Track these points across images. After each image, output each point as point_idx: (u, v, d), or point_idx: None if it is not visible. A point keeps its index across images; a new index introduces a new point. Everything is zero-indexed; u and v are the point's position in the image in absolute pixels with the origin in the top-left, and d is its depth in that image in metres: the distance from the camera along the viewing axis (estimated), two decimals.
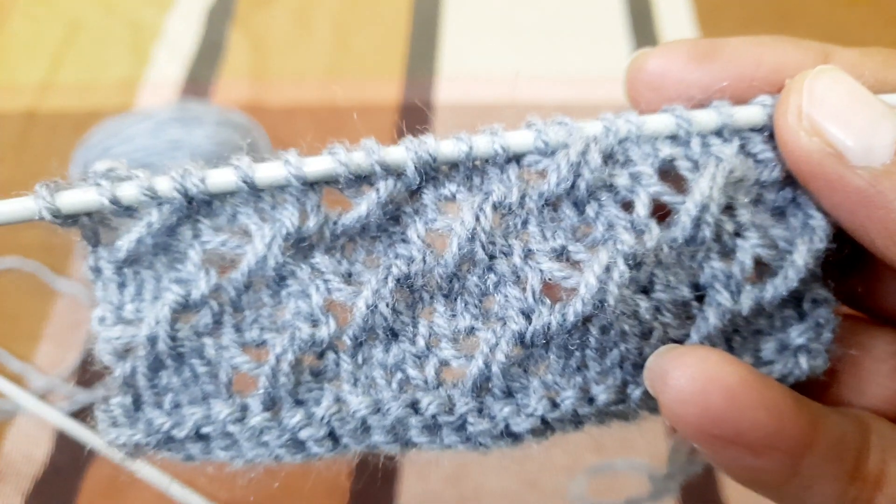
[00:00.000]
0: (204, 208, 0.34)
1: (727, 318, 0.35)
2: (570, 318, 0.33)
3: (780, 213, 0.36)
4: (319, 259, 0.35)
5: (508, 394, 0.35)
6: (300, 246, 0.35)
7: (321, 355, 0.36)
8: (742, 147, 0.35)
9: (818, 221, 0.35)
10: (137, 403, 0.36)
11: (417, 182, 0.34)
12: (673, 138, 0.35)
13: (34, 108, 1.10)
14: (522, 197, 0.35)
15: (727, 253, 0.35)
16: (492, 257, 0.35)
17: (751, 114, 0.35)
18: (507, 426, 0.35)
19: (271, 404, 0.35)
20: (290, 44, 1.18)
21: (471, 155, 0.34)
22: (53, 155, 1.03)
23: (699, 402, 0.30)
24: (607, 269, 0.33)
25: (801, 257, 0.35)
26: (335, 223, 0.35)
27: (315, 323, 0.35)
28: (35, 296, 0.92)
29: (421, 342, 0.36)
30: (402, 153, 0.34)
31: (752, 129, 0.35)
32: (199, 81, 1.13)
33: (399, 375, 0.35)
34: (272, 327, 0.36)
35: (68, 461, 0.79)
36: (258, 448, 0.36)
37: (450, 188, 0.35)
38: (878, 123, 0.31)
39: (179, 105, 0.93)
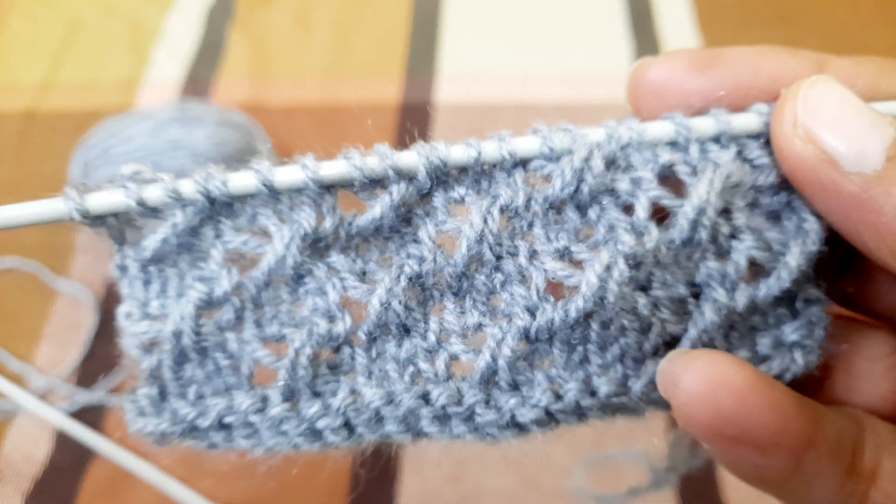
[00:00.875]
0: (225, 210, 0.36)
1: (723, 313, 0.37)
2: (573, 314, 0.35)
3: (775, 217, 0.38)
4: (335, 258, 0.37)
5: (514, 386, 0.37)
6: (317, 246, 0.37)
7: (337, 349, 0.38)
8: (739, 153, 0.37)
9: (812, 225, 0.36)
10: (163, 394, 0.38)
11: (428, 185, 0.36)
12: (672, 144, 0.37)
13: (34, 108, 1.11)
14: (528, 200, 0.36)
15: (723, 254, 0.37)
16: (499, 257, 0.37)
17: (747, 121, 0.36)
18: (512, 417, 0.37)
19: (290, 396, 0.37)
20: (290, 44, 1.19)
21: (479, 160, 0.36)
22: (53, 155, 1.03)
23: (710, 403, 0.32)
24: (608, 268, 0.34)
25: (794, 259, 0.36)
26: (350, 224, 0.37)
27: (332, 319, 0.37)
28: (35, 296, 0.92)
29: (432, 337, 0.38)
30: (415, 158, 0.36)
31: (749, 136, 0.37)
32: (199, 81, 1.13)
33: (411, 369, 0.38)
34: (291, 323, 0.38)
35: (68, 461, 0.80)
36: (278, 437, 0.38)
37: (459, 191, 0.37)
38: (869, 132, 0.32)
39: (179, 105, 0.93)
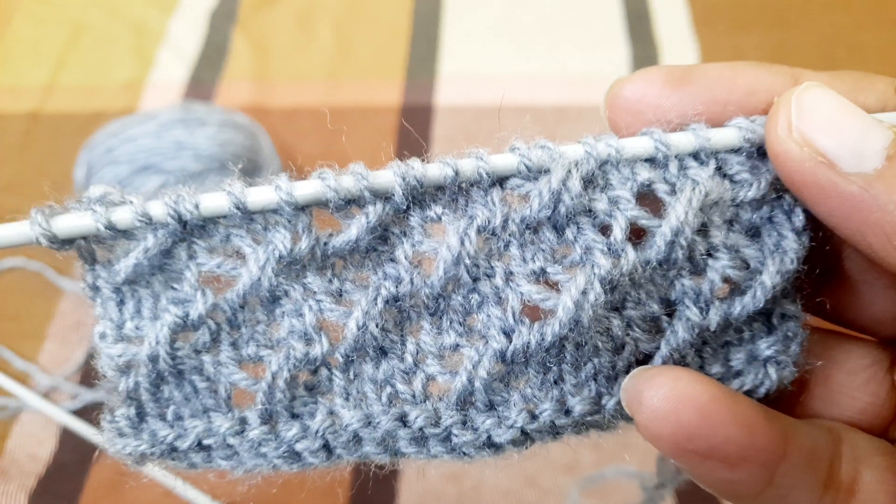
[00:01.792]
0: (198, 231, 0.36)
1: (696, 332, 0.36)
2: (548, 337, 0.35)
3: (755, 232, 0.37)
4: (311, 279, 0.37)
5: (490, 407, 0.37)
6: (292, 266, 0.36)
7: (315, 371, 0.37)
8: (718, 169, 0.36)
9: (791, 243, 0.36)
10: (141, 415, 0.37)
11: (405, 205, 0.36)
12: (651, 161, 0.36)
13: (38, 110, 1.11)
14: (505, 221, 0.36)
15: (698, 271, 0.37)
16: (475, 279, 0.36)
17: (727, 136, 0.36)
18: (489, 437, 0.37)
19: (268, 418, 0.37)
20: (292, 46, 1.19)
21: (456, 179, 0.35)
22: (57, 156, 1.03)
23: (672, 419, 0.32)
24: (584, 293, 0.34)
25: (770, 278, 0.36)
26: (326, 244, 0.36)
27: (309, 341, 0.37)
28: (39, 295, 0.92)
29: (409, 358, 0.37)
30: (390, 177, 0.35)
31: (729, 151, 0.36)
32: (202, 83, 1.14)
33: (388, 390, 0.37)
34: (268, 344, 0.37)
35: (72, 459, 0.80)
36: (257, 458, 0.37)
37: (436, 210, 0.36)
38: (867, 131, 0.32)
39: (183, 107, 0.93)
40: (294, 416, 0.37)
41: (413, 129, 1.04)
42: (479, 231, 0.36)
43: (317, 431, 0.36)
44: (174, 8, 1.24)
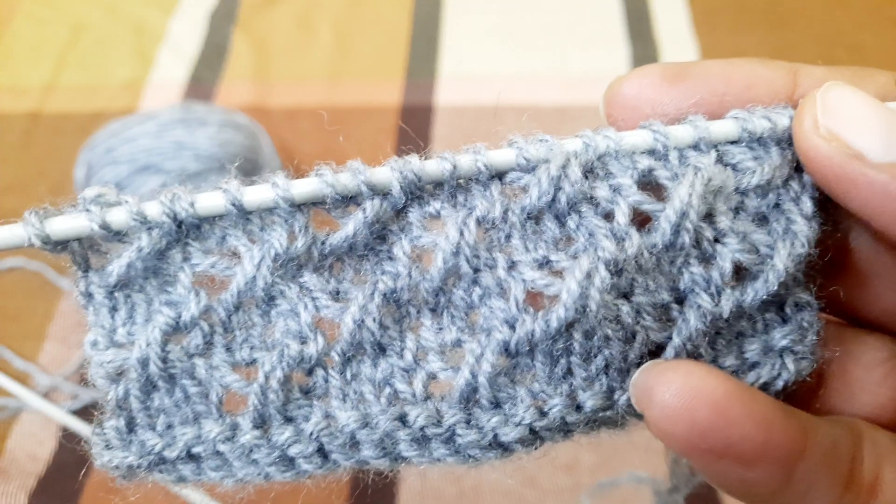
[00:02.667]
0: (193, 231, 0.35)
1: (708, 320, 0.35)
2: (554, 324, 0.34)
3: (762, 219, 0.36)
4: (308, 278, 0.36)
5: (496, 404, 0.36)
6: (289, 266, 0.35)
7: (310, 372, 0.36)
8: (720, 158, 0.36)
9: (800, 227, 0.35)
10: (131, 426, 0.36)
11: (403, 201, 0.35)
12: (651, 153, 0.36)
13: (38, 110, 1.10)
14: (505, 211, 0.35)
15: (707, 259, 0.36)
16: (476, 270, 0.35)
17: (725, 127, 0.36)
18: (495, 436, 0.35)
19: (261, 422, 0.35)
20: (292, 46, 1.19)
21: (454, 174, 0.35)
22: (58, 156, 1.03)
23: (685, 417, 0.31)
24: (588, 276, 0.33)
25: (782, 261, 0.35)
26: (323, 243, 0.35)
27: (304, 340, 0.35)
28: (39, 295, 0.92)
29: (408, 356, 0.36)
30: (388, 174, 0.34)
31: (729, 143, 0.36)
32: (202, 83, 1.13)
33: (388, 390, 0.36)
34: (262, 346, 0.36)
35: (72, 459, 0.79)
36: (248, 466, 0.36)
37: (434, 206, 0.36)
38: (892, 121, 0.32)
39: (183, 107, 0.93)
40: (288, 420, 0.36)
41: (413, 129, 1.04)
42: (478, 222, 0.35)
43: (311, 434, 0.35)
44: (174, 8, 1.24)
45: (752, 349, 0.37)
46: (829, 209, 0.36)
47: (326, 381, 0.36)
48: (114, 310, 0.36)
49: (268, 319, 0.36)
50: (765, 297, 0.35)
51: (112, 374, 0.35)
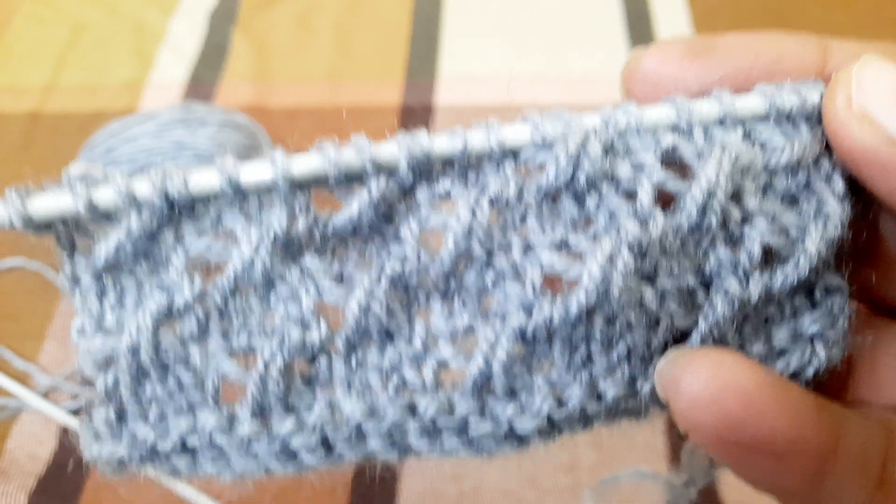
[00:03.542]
0: (186, 212, 0.32)
1: (736, 305, 0.33)
2: (574, 309, 0.32)
3: (792, 200, 0.34)
4: (309, 261, 0.33)
5: (511, 393, 0.33)
6: (289, 249, 0.33)
7: (313, 360, 0.34)
8: (747, 135, 0.34)
9: (833, 208, 0.33)
10: (121, 416, 0.34)
11: (411, 180, 0.33)
12: (674, 129, 0.34)
13: (38, 110, 1.10)
14: (520, 191, 0.33)
15: (734, 241, 0.33)
16: (489, 254, 0.33)
17: (752, 102, 0.33)
18: (511, 427, 0.33)
19: (260, 412, 0.33)
20: (293, 46, 1.18)
21: (466, 151, 0.32)
22: (57, 157, 1.03)
23: (715, 408, 0.29)
24: (611, 259, 0.31)
25: (814, 244, 0.33)
26: (325, 224, 0.33)
27: (306, 326, 0.33)
28: (39, 295, 0.92)
29: (418, 343, 0.34)
30: (395, 150, 0.32)
31: (756, 119, 0.34)
32: (202, 83, 1.13)
33: (395, 379, 0.34)
34: (261, 333, 0.34)
35: (73, 459, 0.79)
36: (247, 460, 0.34)
37: (444, 185, 0.33)
38: None
39: (183, 107, 0.93)
40: (289, 410, 0.33)
41: (413, 129, 1.04)
42: (492, 202, 0.33)
43: (314, 425, 0.33)
44: (174, 8, 1.24)
45: (781, 335, 0.35)
46: (860, 190, 0.34)
47: (330, 369, 0.34)
48: (102, 295, 0.33)
49: (267, 305, 0.34)
50: (795, 282, 0.33)
51: (101, 362, 0.33)
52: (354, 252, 0.34)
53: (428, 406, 0.33)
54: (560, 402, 0.33)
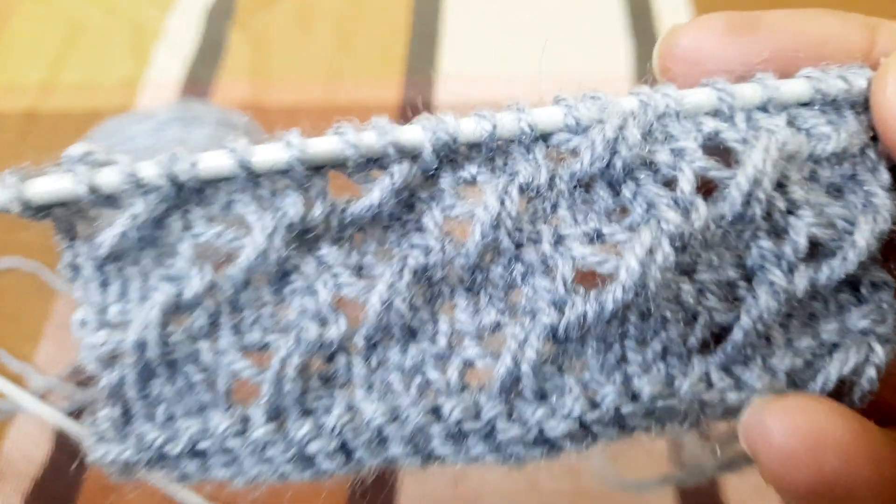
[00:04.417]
0: (195, 197, 0.30)
1: (781, 298, 0.31)
2: (609, 306, 0.29)
3: (836, 191, 0.32)
4: (326, 251, 0.31)
5: (541, 395, 0.31)
6: (304, 237, 0.31)
7: (331, 358, 0.32)
8: (790, 122, 0.32)
9: (882, 200, 0.31)
10: (127, 416, 0.32)
11: (435, 165, 0.31)
12: (715, 114, 0.32)
13: (35, 109, 1.10)
14: (552, 178, 0.31)
15: (778, 232, 0.31)
16: (518, 245, 0.31)
17: (797, 87, 0.32)
18: (540, 431, 0.31)
19: (276, 414, 0.31)
20: (291, 44, 1.18)
21: (494, 135, 0.30)
22: (54, 155, 1.03)
23: (811, 464, 0.27)
24: (650, 251, 0.29)
25: (864, 237, 0.31)
26: (343, 212, 0.31)
27: (323, 322, 0.31)
28: (35, 296, 0.91)
29: (442, 341, 0.32)
30: (419, 133, 0.30)
31: (800, 105, 0.32)
32: (199, 81, 1.13)
33: (418, 379, 0.32)
34: (275, 328, 0.32)
35: (68, 461, 0.79)
36: (261, 464, 0.32)
37: (470, 171, 0.31)
38: None
39: (180, 105, 0.92)
40: (306, 413, 0.31)
41: None
42: (521, 190, 0.31)
43: (333, 429, 0.30)
44: (171, 5, 1.23)
45: (829, 329, 0.33)
46: None
47: (349, 368, 0.32)
48: (104, 285, 0.31)
49: (281, 298, 0.32)
50: (842, 276, 0.31)
51: (105, 358, 0.31)
52: (373, 241, 0.32)
53: (454, 409, 0.31)
54: (593, 404, 0.31)
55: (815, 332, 0.33)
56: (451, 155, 0.31)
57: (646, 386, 0.31)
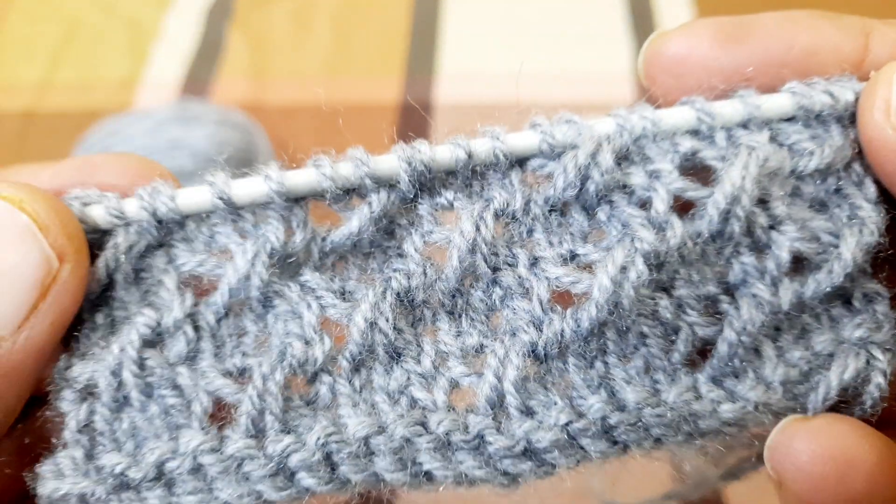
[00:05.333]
0: (178, 231, 0.31)
1: (765, 310, 0.31)
2: (585, 324, 0.30)
3: (820, 206, 0.32)
4: (309, 276, 0.32)
5: (528, 412, 0.31)
6: (286, 264, 0.32)
7: (313, 379, 0.31)
8: (773, 138, 0.32)
9: (868, 212, 0.31)
10: (90, 454, 0.31)
11: (412, 193, 0.31)
12: (694, 133, 0.32)
13: (33, 108, 1.09)
14: (527, 203, 0.32)
15: (760, 248, 0.32)
16: (495, 269, 0.32)
17: (779, 103, 0.32)
18: (528, 442, 0.31)
19: (255, 432, 0.30)
20: (290, 43, 1.18)
21: (469, 163, 0.31)
22: (52, 155, 1.02)
23: (839, 489, 0.27)
24: (623, 269, 0.29)
25: (849, 250, 0.31)
26: (324, 240, 0.32)
27: (308, 342, 0.31)
28: None
29: (427, 362, 0.32)
30: (394, 163, 0.31)
31: (783, 120, 0.32)
32: (198, 81, 1.12)
33: (404, 400, 0.32)
34: (257, 353, 0.32)
35: None
36: (236, 485, 0.30)
37: (447, 196, 0.32)
38: None
39: (178, 104, 0.92)
40: (287, 431, 0.30)
41: (412, 127, 1.03)
42: (496, 215, 0.31)
43: (318, 440, 0.29)
44: (169, 4, 1.22)
45: (822, 340, 0.33)
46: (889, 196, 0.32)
47: (333, 390, 0.32)
48: (92, 330, 0.31)
49: (263, 324, 0.32)
50: (828, 289, 0.31)
51: (80, 393, 0.30)
52: (354, 268, 0.33)
53: (441, 421, 0.31)
54: (579, 414, 0.31)
55: (808, 345, 0.33)
56: (429, 182, 0.32)
57: (630, 394, 0.31)
